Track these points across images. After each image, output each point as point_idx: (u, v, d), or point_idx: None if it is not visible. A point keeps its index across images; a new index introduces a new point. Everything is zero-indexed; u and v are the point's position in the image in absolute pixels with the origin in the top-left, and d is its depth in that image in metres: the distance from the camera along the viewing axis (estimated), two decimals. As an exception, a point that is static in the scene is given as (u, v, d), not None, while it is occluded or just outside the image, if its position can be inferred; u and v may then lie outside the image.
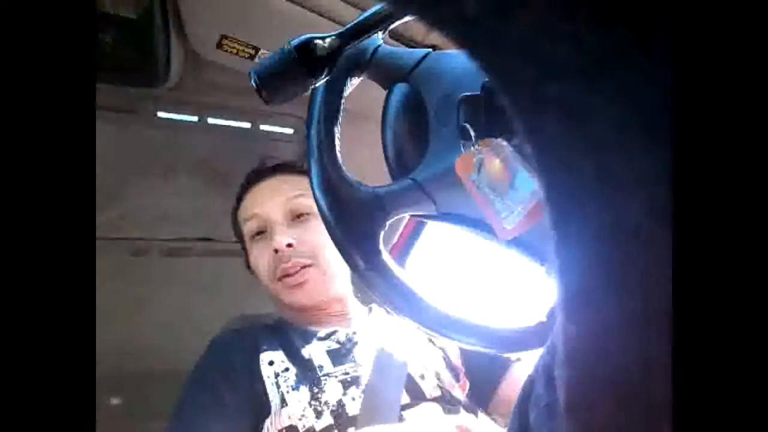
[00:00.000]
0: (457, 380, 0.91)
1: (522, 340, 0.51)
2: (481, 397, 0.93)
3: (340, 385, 0.82)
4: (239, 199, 1.06)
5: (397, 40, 0.99)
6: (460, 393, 0.89)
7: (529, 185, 0.43)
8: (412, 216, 0.57)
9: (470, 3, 0.12)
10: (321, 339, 0.90)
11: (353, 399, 0.80)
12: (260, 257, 0.99)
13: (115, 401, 1.60)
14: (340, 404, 0.79)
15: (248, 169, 1.08)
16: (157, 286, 1.42)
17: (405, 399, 0.82)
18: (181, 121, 1.20)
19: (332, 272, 0.96)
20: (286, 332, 0.93)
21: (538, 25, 0.12)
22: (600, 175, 0.13)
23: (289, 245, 0.94)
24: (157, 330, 1.38)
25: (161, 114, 1.17)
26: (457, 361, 0.96)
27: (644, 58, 0.11)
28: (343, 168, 0.53)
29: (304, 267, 0.94)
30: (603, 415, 0.15)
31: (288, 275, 0.94)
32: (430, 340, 0.96)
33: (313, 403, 0.79)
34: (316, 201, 0.52)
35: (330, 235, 0.51)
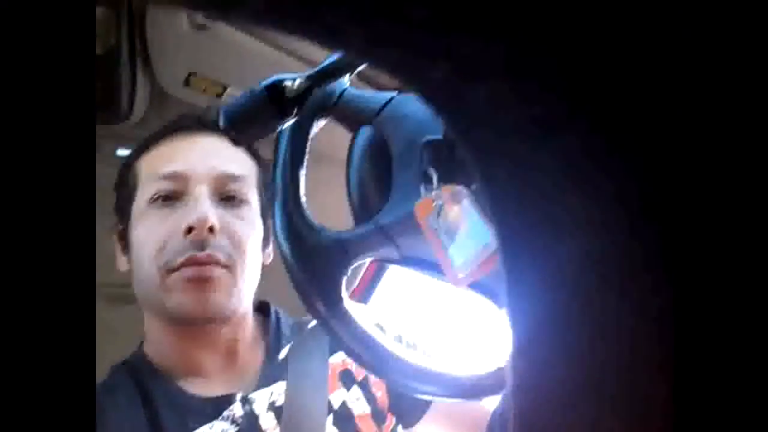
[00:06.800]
0: (383, 422, 0.79)
1: (481, 387, 0.51)
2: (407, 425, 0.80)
3: None
4: (142, 150, 0.77)
5: (364, 81, 1.01)
6: None
7: (484, 235, 0.44)
8: (373, 260, 0.57)
9: (439, 70, 0.14)
10: (209, 415, 0.69)
11: None
12: (155, 232, 0.70)
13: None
14: None
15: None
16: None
17: None
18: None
19: (244, 285, 0.73)
20: (149, 393, 0.70)
21: (494, 92, 0.13)
22: (544, 223, 0.14)
23: (212, 229, 0.68)
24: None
25: (121, 152, 1.15)
26: (383, 399, 0.80)
27: (580, 128, 0.13)
28: (307, 212, 0.53)
29: (217, 264, 0.69)
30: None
31: (195, 264, 0.68)
32: (357, 382, 0.79)
33: None
34: (279, 245, 0.52)
35: (292, 280, 0.51)
